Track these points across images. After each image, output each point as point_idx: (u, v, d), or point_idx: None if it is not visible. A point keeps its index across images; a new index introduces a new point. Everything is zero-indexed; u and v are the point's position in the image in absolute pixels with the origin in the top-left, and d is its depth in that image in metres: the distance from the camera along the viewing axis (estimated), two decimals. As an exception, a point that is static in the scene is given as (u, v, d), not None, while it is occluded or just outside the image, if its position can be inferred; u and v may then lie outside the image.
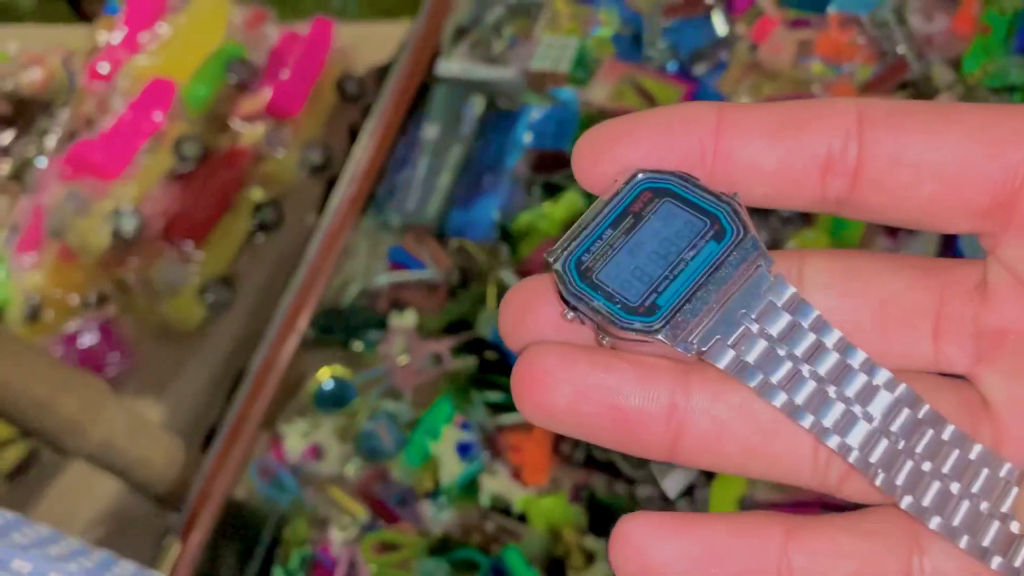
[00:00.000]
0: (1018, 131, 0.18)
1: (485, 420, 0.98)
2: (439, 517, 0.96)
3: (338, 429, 1.04)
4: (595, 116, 1.12)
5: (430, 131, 1.21)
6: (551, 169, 1.12)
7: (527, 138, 1.13)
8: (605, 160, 0.20)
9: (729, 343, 0.19)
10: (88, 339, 1.27)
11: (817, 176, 0.19)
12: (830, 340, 0.19)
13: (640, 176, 0.20)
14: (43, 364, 0.92)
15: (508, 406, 1.00)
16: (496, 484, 0.95)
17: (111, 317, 1.32)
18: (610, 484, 0.93)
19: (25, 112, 1.67)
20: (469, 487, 0.96)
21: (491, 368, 1.03)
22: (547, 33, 1.20)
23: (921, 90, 1.03)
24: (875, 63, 1.06)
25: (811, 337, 0.19)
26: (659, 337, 0.19)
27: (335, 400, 1.03)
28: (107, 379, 1.16)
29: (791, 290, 0.19)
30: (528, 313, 0.21)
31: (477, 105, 1.19)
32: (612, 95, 1.11)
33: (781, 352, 0.19)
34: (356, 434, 1.00)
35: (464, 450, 0.97)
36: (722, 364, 0.19)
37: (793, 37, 1.07)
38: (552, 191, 1.12)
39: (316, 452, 1.04)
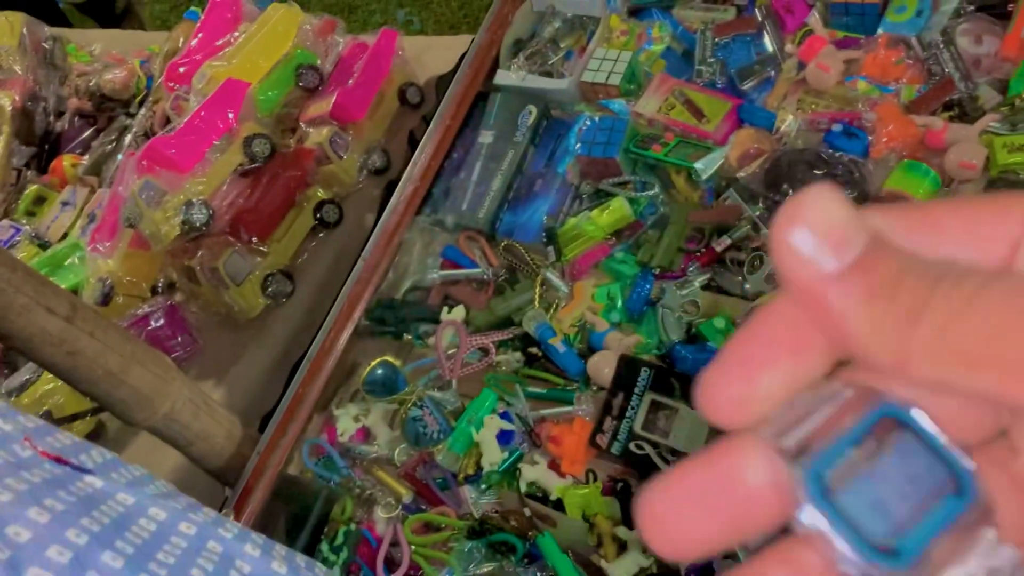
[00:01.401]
0: (994, 225, 0.20)
1: (526, 411, 1.02)
2: (479, 501, 1.01)
3: (387, 415, 1.09)
4: (643, 127, 1.15)
5: (486, 137, 1.26)
6: (599, 176, 1.16)
7: (578, 146, 1.17)
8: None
9: None
10: (156, 322, 1.34)
11: None
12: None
13: (879, 399, 0.20)
14: (117, 337, 0.97)
15: (548, 398, 1.04)
16: (535, 472, 0.98)
17: (178, 303, 1.39)
18: (644, 478, 0.97)
19: (105, 109, 1.76)
20: (509, 474, 1.00)
21: (534, 362, 1.07)
22: (601, 47, 1.24)
23: (966, 110, 1.05)
24: (921, 83, 1.08)
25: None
26: None
27: (386, 387, 1.08)
28: (173, 361, 1.22)
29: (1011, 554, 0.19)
30: (678, 532, 0.20)
31: (532, 114, 1.24)
32: (661, 107, 1.15)
33: None
34: (403, 420, 1.05)
35: (505, 439, 1.01)
36: None
37: (841, 56, 1.10)
38: (599, 197, 1.16)
39: (366, 435, 1.09)
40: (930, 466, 0.19)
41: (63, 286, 1.42)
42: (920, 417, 0.19)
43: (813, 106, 1.10)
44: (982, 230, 0.20)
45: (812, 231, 0.20)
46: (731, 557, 0.88)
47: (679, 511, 0.20)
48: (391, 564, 1.00)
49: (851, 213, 0.20)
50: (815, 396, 0.20)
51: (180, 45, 1.64)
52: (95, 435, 1.34)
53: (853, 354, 0.20)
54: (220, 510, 1.05)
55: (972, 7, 1.11)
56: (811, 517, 0.19)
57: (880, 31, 1.12)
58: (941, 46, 1.08)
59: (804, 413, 0.20)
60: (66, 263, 1.53)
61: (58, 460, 0.57)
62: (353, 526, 1.02)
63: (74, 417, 1.26)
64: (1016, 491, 0.20)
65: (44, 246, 1.60)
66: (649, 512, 0.20)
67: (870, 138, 1.04)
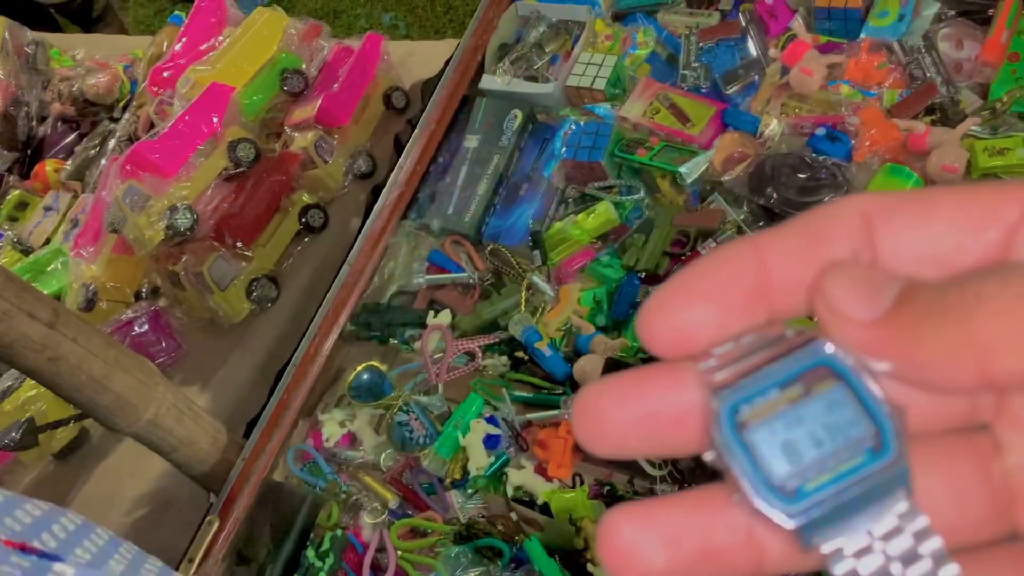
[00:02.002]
0: (990, 209, 0.20)
1: (513, 416, 1.02)
2: (466, 506, 1.00)
3: (373, 420, 1.09)
4: (628, 131, 1.16)
5: (471, 141, 1.26)
6: (585, 180, 1.16)
7: (563, 150, 1.17)
8: (677, 320, 0.21)
9: (850, 554, 0.19)
10: (140, 328, 1.33)
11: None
12: (927, 548, 0.19)
13: (824, 347, 0.20)
14: (100, 343, 0.96)
15: (535, 402, 1.04)
16: (521, 477, 0.98)
17: (162, 308, 1.38)
18: (630, 481, 0.97)
19: (88, 114, 1.75)
20: (495, 478, 1.00)
21: (520, 367, 1.07)
22: (586, 51, 1.24)
23: (948, 114, 1.06)
24: (903, 88, 1.09)
25: (910, 542, 0.19)
26: (790, 526, 0.19)
27: (371, 392, 1.08)
28: (157, 366, 1.21)
29: (923, 520, 0.19)
30: (608, 425, 0.21)
31: (517, 118, 1.24)
32: (646, 112, 1.15)
33: (889, 563, 0.19)
34: (389, 425, 1.05)
35: (491, 443, 1.01)
36: (838, 573, 0.19)
37: (824, 61, 1.10)
38: (585, 201, 1.16)
39: (351, 440, 1.09)
40: (854, 420, 0.19)
41: (46, 292, 1.41)
42: (854, 369, 0.19)
43: (797, 110, 1.11)
44: (977, 212, 0.20)
45: (848, 298, 0.20)
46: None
47: (609, 411, 0.20)
48: (377, 570, 0.99)
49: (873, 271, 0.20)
50: (760, 337, 0.20)
51: (164, 49, 1.64)
52: (78, 442, 1.33)
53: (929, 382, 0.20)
54: (205, 516, 1.04)
55: (953, 12, 1.12)
56: (717, 446, 0.19)
57: (862, 36, 1.13)
58: (923, 51, 1.09)
59: (745, 351, 0.20)
60: (49, 268, 1.51)
61: (23, 548, 0.55)
62: (339, 532, 1.02)
63: (57, 424, 1.25)
64: (985, 489, 0.20)
65: (26, 251, 1.59)
66: (582, 405, 0.21)
67: (853, 142, 1.05)
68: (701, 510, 0.20)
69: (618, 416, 0.20)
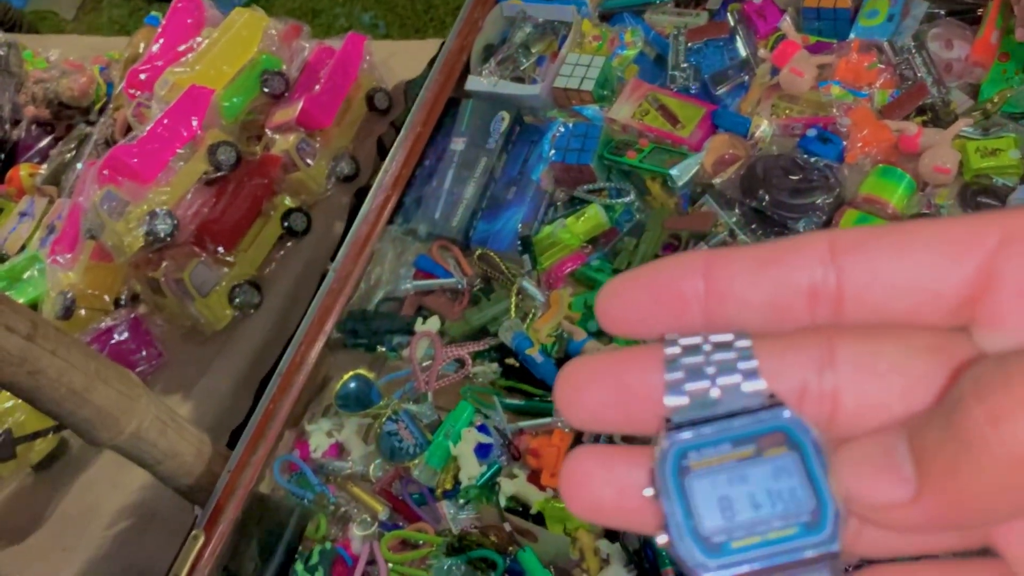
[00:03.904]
0: (966, 240, 0.19)
1: (504, 424, 1.01)
2: (458, 517, 0.99)
3: (361, 429, 1.07)
4: (618, 133, 1.14)
5: (458, 144, 1.24)
6: (574, 183, 1.15)
7: (552, 153, 1.16)
8: (619, 307, 0.22)
9: None
10: (119, 336, 1.30)
11: (805, 304, 0.21)
12: None
13: (786, 414, 0.20)
14: (80, 355, 0.94)
15: (527, 410, 1.02)
16: (514, 486, 0.97)
17: (142, 316, 1.36)
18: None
19: (63, 117, 1.72)
20: (488, 488, 0.98)
21: (511, 374, 1.05)
22: (573, 52, 1.23)
23: (939, 115, 1.05)
24: (894, 88, 1.08)
25: None
26: None
27: (359, 401, 1.06)
28: (137, 375, 1.19)
29: None
30: (584, 395, 0.22)
31: (504, 120, 1.22)
32: (635, 113, 1.14)
33: None
34: (378, 434, 1.03)
35: (483, 452, 0.99)
36: None
37: (814, 61, 1.09)
38: (574, 205, 1.15)
39: (339, 451, 1.07)
40: (797, 491, 0.19)
41: (22, 300, 1.38)
42: (813, 443, 0.19)
43: (787, 111, 1.10)
44: (955, 240, 0.20)
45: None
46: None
47: (587, 382, 0.22)
48: (368, 583, 0.98)
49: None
50: (726, 352, 0.20)
51: (141, 51, 1.61)
52: (58, 454, 1.30)
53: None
54: (190, 530, 1.02)
55: (943, 12, 1.11)
56: (656, 485, 0.20)
57: (852, 36, 1.12)
58: (913, 51, 1.08)
59: (713, 374, 0.20)
60: (25, 276, 1.48)
61: None
62: (328, 544, 1.00)
63: (35, 435, 1.22)
64: None
65: (2, 258, 1.56)
66: (563, 376, 0.22)
67: (845, 143, 1.04)
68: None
69: (594, 388, 0.22)
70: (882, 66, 1.09)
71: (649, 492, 0.20)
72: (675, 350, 0.21)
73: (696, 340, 0.21)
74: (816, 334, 0.21)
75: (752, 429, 0.20)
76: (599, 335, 1.04)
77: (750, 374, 0.20)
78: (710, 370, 0.20)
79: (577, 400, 0.22)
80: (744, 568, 0.19)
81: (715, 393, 0.20)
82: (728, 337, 0.21)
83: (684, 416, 0.20)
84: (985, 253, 0.19)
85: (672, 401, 0.20)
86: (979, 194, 0.99)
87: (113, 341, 1.31)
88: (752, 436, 0.20)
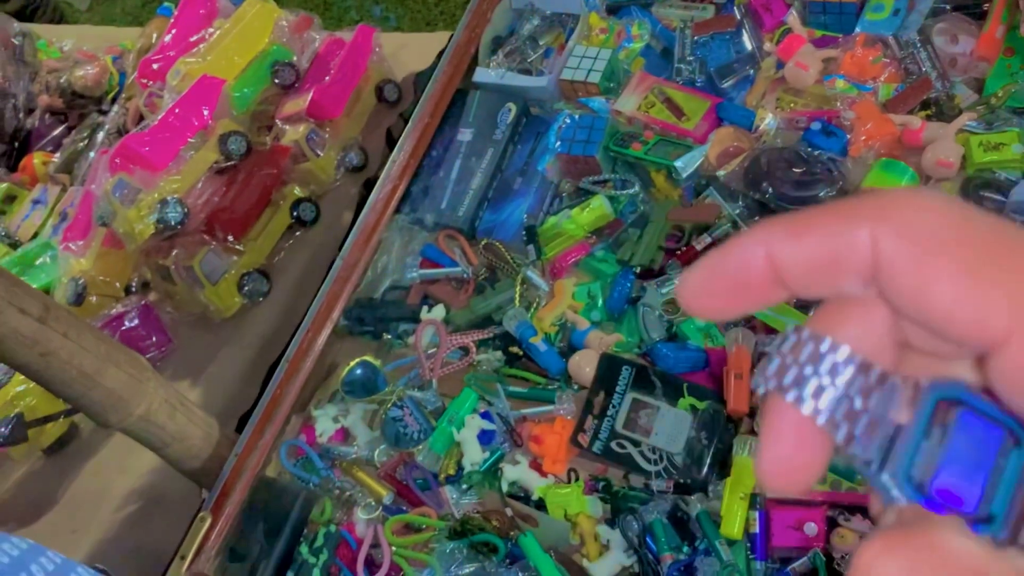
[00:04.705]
0: (996, 277, 0.20)
1: (507, 411, 1.02)
2: (460, 502, 1.00)
3: (367, 415, 1.08)
4: (623, 125, 1.15)
5: (465, 135, 1.25)
6: (579, 175, 1.16)
7: (558, 144, 1.17)
8: (699, 295, 0.24)
9: None
10: (130, 322, 1.32)
11: (858, 281, 0.22)
12: None
13: (931, 386, 0.22)
14: (91, 338, 0.95)
15: (529, 398, 1.03)
16: (516, 472, 0.98)
17: (152, 303, 1.37)
18: (626, 476, 0.96)
19: (76, 106, 1.73)
20: (490, 474, 1.00)
21: (515, 362, 1.06)
22: (580, 45, 1.24)
23: (943, 109, 1.06)
24: (899, 82, 1.09)
25: None
26: (1009, 546, 0.21)
27: (365, 387, 1.07)
28: (147, 360, 1.20)
29: None
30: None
31: (511, 111, 1.23)
32: (641, 105, 1.15)
33: None
34: (383, 420, 1.04)
35: (486, 438, 1.01)
36: None
37: (819, 55, 1.10)
38: (579, 196, 1.16)
39: (345, 436, 1.08)
40: (989, 430, 0.21)
41: (35, 286, 1.40)
42: (969, 392, 0.21)
43: (792, 104, 1.11)
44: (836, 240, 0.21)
45: None
46: (709, 553, 0.88)
47: (707, 287, 0.23)
48: (372, 566, 0.99)
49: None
50: (869, 390, 0.22)
51: (153, 41, 1.62)
52: (68, 437, 1.32)
53: None
54: (197, 512, 1.04)
55: (948, 6, 1.12)
56: (916, 513, 0.21)
57: (858, 30, 1.13)
58: (918, 45, 1.09)
59: (863, 404, 0.22)
60: (37, 263, 1.50)
61: None
62: (333, 528, 1.01)
63: (46, 419, 1.24)
64: None
65: (14, 245, 1.57)
66: (688, 281, 0.24)
67: (848, 136, 1.05)
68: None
69: (713, 291, 0.24)
70: (887, 60, 1.10)
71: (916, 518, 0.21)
72: (825, 418, 0.22)
73: (844, 401, 0.22)
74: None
75: (925, 418, 0.21)
76: (601, 324, 1.05)
77: (883, 378, 0.22)
78: (859, 403, 0.22)
79: (702, 301, 0.24)
80: (1018, 504, 0.21)
81: (876, 414, 0.22)
82: (829, 360, 0.22)
83: (872, 451, 0.22)
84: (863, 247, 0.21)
85: (857, 450, 0.22)
86: (982, 188, 0.99)
87: (123, 327, 1.32)
88: (930, 423, 0.21)
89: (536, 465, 0.99)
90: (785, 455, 0.22)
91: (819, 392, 0.22)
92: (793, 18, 1.15)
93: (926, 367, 0.23)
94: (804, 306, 0.94)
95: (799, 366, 0.22)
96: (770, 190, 1.03)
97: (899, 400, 0.22)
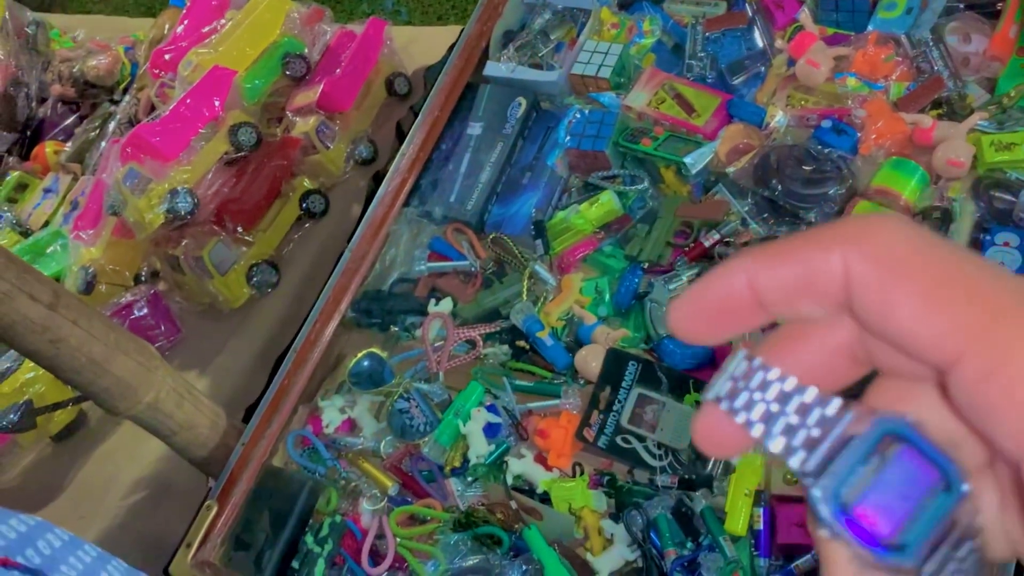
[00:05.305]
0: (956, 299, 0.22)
1: (513, 404, 1.02)
2: (465, 494, 1.00)
3: (373, 406, 1.09)
4: (633, 120, 1.15)
5: (474, 129, 1.25)
6: (588, 170, 1.16)
7: (567, 139, 1.17)
8: (687, 322, 0.25)
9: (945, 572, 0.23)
10: (139, 311, 1.33)
11: (832, 302, 0.23)
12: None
13: (881, 419, 0.23)
14: (101, 325, 0.96)
15: (535, 392, 1.03)
16: (521, 465, 0.98)
17: (161, 292, 1.38)
18: (630, 471, 0.97)
19: (88, 96, 1.74)
20: (495, 467, 1.00)
21: (522, 356, 1.07)
22: (591, 39, 1.24)
23: (955, 108, 1.05)
24: (910, 81, 1.08)
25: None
26: (918, 573, 0.23)
27: (372, 379, 1.07)
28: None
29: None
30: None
31: (521, 106, 1.23)
32: (651, 101, 1.14)
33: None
34: (390, 412, 1.04)
35: (492, 432, 1.01)
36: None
37: (831, 53, 1.10)
38: (588, 191, 1.16)
39: (351, 427, 1.09)
40: (925, 470, 0.23)
41: (45, 274, 1.41)
42: (914, 429, 0.23)
43: (803, 102, 1.11)
44: (810, 266, 0.23)
45: None
46: (713, 549, 0.88)
47: (694, 313, 0.25)
48: (376, 556, 0.99)
49: None
50: (813, 412, 0.24)
51: (165, 32, 1.63)
52: (76, 425, 1.33)
53: None
54: (203, 501, 1.04)
55: (961, 5, 1.11)
56: (830, 526, 0.23)
57: (870, 28, 1.13)
58: (930, 44, 1.08)
59: (816, 426, 0.23)
60: (48, 251, 1.51)
61: (5, 564, 0.54)
62: (338, 518, 1.01)
63: (55, 406, 1.25)
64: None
65: (25, 233, 1.58)
66: (676, 308, 0.25)
67: (859, 134, 1.04)
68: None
69: (701, 317, 0.25)
70: (899, 59, 1.09)
71: (825, 532, 0.23)
72: (760, 428, 0.24)
73: (760, 402, 0.24)
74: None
75: (867, 445, 0.23)
76: (608, 319, 1.05)
77: (824, 401, 0.23)
78: (795, 420, 0.24)
79: (690, 326, 0.25)
80: (931, 541, 0.22)
81: (816, 433, 0.23)
82: (777, 386, 0.24)
83: (811, 464, 0.23)
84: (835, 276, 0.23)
85: (794, 461, 0.23)
86: (992, 188, 0.99)
87: (132, 316, 1.33)
88: (870, 450, 0.23)
89: (541, 459, 0.99)
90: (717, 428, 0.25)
91: (768, 417, 0.24)
92: (805, 15, 1.15)
93: (895, 392, 0.24)
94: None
95: (749, 391, 0.24)
96: (779, 187, 1.03)
97: (848, 426, 0.23)
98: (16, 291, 0.87)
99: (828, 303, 0.23)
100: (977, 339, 0.21)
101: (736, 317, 0.24)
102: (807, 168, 1.03)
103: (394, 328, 1.14)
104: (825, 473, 0.23)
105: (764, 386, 0.24)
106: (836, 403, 0.23)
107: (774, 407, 0.24)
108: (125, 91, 1.69)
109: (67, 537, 0.61)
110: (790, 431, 0.23)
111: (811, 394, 0.24)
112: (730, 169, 1.07)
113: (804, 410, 0.23)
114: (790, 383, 0.24)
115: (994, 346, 0.21)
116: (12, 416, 1.22)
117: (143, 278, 1.43)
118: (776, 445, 0.23)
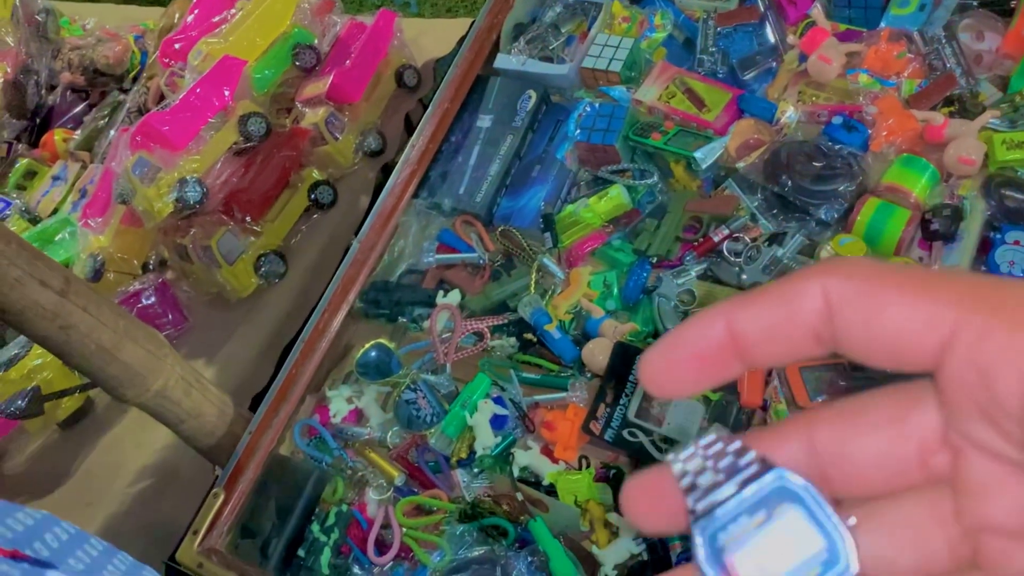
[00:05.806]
0: (934, 310, 0.22)
1: (520, 396, 1.02)
2: (471, 485, 1.00)
3: (380, 397, 1.09)
4: (643, 114, 1.15)
5: (484, 121, 1.25)
6: (598, 163, 1.16)
7: (577, 132, 1.17)
8: (660, 374, 0.25)
9: None
10: (147, 300, 1.33)
11: (812, 337, 0.24)
12: None
13: (778, 475, 0.23)
14: (110, 313, 0.96)
15: (542, 384, 1.04)
16: (527, 457, 0.98)
17: (169, 281, 1.38)
18: (636, 466, 0.97)
19: (98, 84, 1.74)
20: (502, 459, 1.00)
21: (529, 348, 1.07)
22: (602, 33, 1.23)
23: (967, 106, 1.05)
24: (922, 78, 1.08)
25: None
26: None
27: (379, 370, 1.07)
28: (163, 338, 1.21)
29: None
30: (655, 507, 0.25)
31: (531, 99, 1.23)
32: (661, 95, 1.14)
33: None
34: (396, 402, 1.05)
35: (498, 423, 1.01)
36: None
37: (842, 49, 1.09)
38: (598, 184, 1.16)
39: (358, 417, 1.09)
40: (812, 538, 0.22)
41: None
42: (809, 495, 0.23)
43: (814, 98, 1.10)
44: (924, 308, 0.22)
45: None
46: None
47: (667, 362, 0.25)
48: (382, 546, 1.00)
49: None
50: (725, 458, 0.24)
51: (176, 21, 1.63)
52: (83, 412, 1.33)
53: None
54: (210, 489, 1.05)
55: (975, 2, 1.11)
56: (703, 569, 0.23)
57: (882, 25, 1.12)
58: (943, 41, 1.08)
59: (714, 464, 0.24)
60: (56, 238, 1.51)
61: (14, 556, 0.55)
62: (344, 507, 1.02)
63: (63, 393, 1.25)
64: (946, 544, 0.23)
65: (34, 220, 1.59)
66: (648, 359, 0.25)
67: (870, 131, 1.04)
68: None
69: (674, 369, 0.25)
70: (911, 56, 1.09)
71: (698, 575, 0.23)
72: (679, 467, 0.24)
73: (697, 459, 0.24)
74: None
75: (758, 498, 0.23)
76: (615, 313, 1.05)
77: (742, 452, 0.24)
78: (710, 463, 0.24)
79: (662, 380, 0.25)
80: None
81: (720, 478, 0.24)
82: (719, 445, 0.24)
83: (699, 504, 0.23)
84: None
85: (689, 499, 0.24)
86: (1003, 186, 0.99)
87: (140, 305, 1.34)
88: (760, 503, 0.23)
89: (547, 451, 0.99)
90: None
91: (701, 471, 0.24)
92: (817, 11, 1.14)
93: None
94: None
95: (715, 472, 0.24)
96: (789, 183, 1.03)
97: (749, 475, 0.23)
98: (27, 277, 0.87)
99: (809, 340, 0.23)
100: (967, 308, 0.21)
101: (712, 365, 0.24)
102: (817, 164, 1.03)
103: (402, 319, 1.14)
104: (708, 516, 0.23)
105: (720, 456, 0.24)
106: (751, 455, 0.24)
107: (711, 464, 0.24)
108: (135, 80, 1.70)
109: (73, 530, 0.61)
110: (701, 473, 0.24)
111: (735, 445, 0.24)
112: (740, 164, 1.07)
113: (719, 456, 0.24)
114: (732, 445, 0.24)
115: (987, 308, 0.21)
116: (20, 402, 1.23)
117: (151, 267, 1.43)
118: (683, 481, 0.24)
